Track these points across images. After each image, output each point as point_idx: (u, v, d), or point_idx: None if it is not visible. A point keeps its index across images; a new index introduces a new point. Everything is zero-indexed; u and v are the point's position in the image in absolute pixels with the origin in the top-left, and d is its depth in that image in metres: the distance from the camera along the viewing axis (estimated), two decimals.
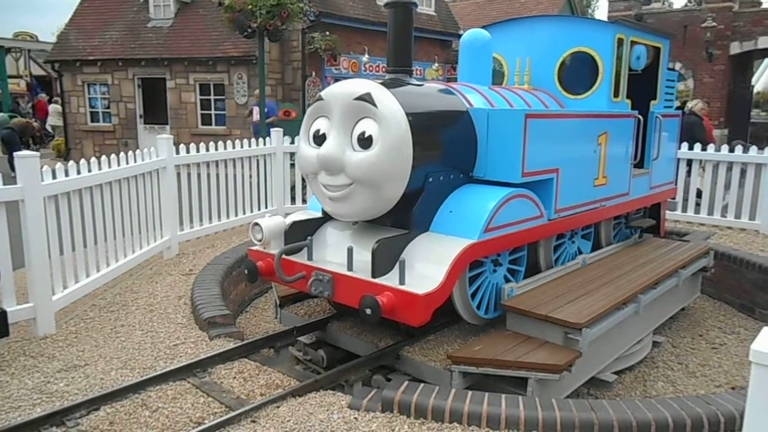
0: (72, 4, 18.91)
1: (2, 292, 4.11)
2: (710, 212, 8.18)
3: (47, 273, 4.43)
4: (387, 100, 3.67)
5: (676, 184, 6.92)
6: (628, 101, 5.46)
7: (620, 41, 5.17)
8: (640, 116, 5.53)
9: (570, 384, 3.90)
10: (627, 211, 5.75)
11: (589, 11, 44.31)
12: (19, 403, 3.35)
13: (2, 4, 69.41)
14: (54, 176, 4.60)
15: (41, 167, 4.40)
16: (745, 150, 7.79)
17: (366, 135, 3.66)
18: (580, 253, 5.19)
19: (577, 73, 5.23)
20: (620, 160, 5.32)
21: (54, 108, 20.33)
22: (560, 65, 5.28)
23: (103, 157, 5.29)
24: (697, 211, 8.25)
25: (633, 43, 5.38)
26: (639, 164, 5.74)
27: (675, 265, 5.18)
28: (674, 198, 6.97)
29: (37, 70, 26.87)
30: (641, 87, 5.80)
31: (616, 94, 5.24)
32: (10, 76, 23.20)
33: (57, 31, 25.95)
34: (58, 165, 4.72)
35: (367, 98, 3.66)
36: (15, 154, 4.40)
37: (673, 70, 6.60)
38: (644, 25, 6.26)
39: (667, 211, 6.93)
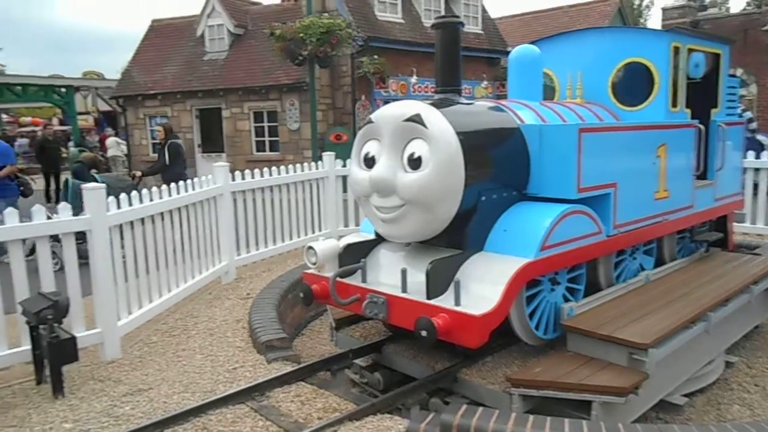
0: (134, 42, 19.93)
1: (72, 319, 4.29)
2: None
3: (113, 299, 4.60)
4: (437, 120, 3.67)
5: (743, 195, 6.60)
6: (688, 111, 5.28)
7: (677, 49, 5.02)
8: (702, 126, 5.33)
9: (637, 408, 3.73)
10: (691, 224, 5.52)
11: (641, 21, 43.31)
12: (88, 426, 3.47)
13: (72, 45, 73.96)
14: (119, 206, 4.80)
15: (107, 198, 4.60)
16: None
17: (417, 156, 3.66)
18: (643, 269, 5.00)
19: (632, 85, 5.09)
20: (682, 171, 5.12)
21: (112, 140, 21.35)
22: (614, 77, 5.17)
23: (164, 186, 5.48)
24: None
25: (690, 50, 5.21)
26: (702, 175, 5.51)
27: (746, 280, 4.91)
28: (742, 209, 6.64)
29: (103, 106, 28.32)
30: (701, 95, 5.59)
31: (674, 104, 5.07)
32: (80, 113, 24.52)
33: (121, 68, 27.36)
34: (122, 195, 4.92)
35: (416, 119, 3.67)
36: (83, 186, 4.62)
37: (734, 76, 6.34)
38: (701, 32, 6.06)
39: (735, 223, 6.60)
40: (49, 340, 3.82)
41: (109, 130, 24.67)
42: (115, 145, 20.98)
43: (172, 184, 5.62)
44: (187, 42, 18.43)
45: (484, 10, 19.60)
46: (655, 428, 2.96)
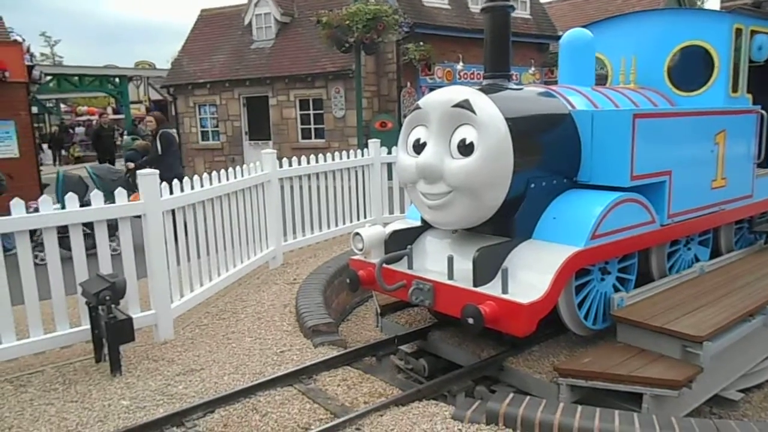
0: (180, 32, 20.38)
1: (128, 300, 4.45)
2: None
3: (167, 282, 4.75)
4: (486, 106, 3.62)
5: None
6: (749, 96, 5.05)
7: (738, 31, 4.80)
8: (764, 111, 5.09)
9: (690, 402, 3.63)
10: (750, 214, 5.30)
11: (699, 3, 41.53)
12: (144, 403, 3.61)
13: (122, 37, 76.36)
14: (171, 192, 4.93)
15: (159, 184, 4.73)
16: None
17: (465, 142, 3.62)
18: (697, 260, 4.84)
19: (690, 69, 4.91)
20: (741, 159, 4.92)
21: None
22: (670, 61, 4.99)
23: (214, 173, 5.60)
24: None
25: (753, 32, 4.98)
26: (763, 164, 5.28)
27: None
28: None
29: (154, 95, 29.09)
30: (765, 80, 5.34)
31: (734, 89, 4.87)
32: (132, 102, 25.28)
33: (171, 58, 28.01)
34: (175, 181, 5.05)
35: (465, 105, 3.63)
36: (137, 172, 4.77)
37: None
38: (766, 13, 5.77)
39: None
40: (107, 321, 3.98)
41: None
42: None
43: (222, 171, 5.74)
44: (235, 31, 18.70)
45: None
46: (711, 423, 2.88)
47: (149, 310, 4.65)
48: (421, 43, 15.30)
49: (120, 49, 74.15)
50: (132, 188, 6.84)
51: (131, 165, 9.04)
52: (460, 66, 16.47)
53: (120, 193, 4.54)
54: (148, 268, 4.64)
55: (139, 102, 28.07)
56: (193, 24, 20.18)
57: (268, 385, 3.70)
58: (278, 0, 17.65)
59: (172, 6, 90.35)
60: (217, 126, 18.53)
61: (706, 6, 38.88)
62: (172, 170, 7.88)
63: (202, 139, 18.88)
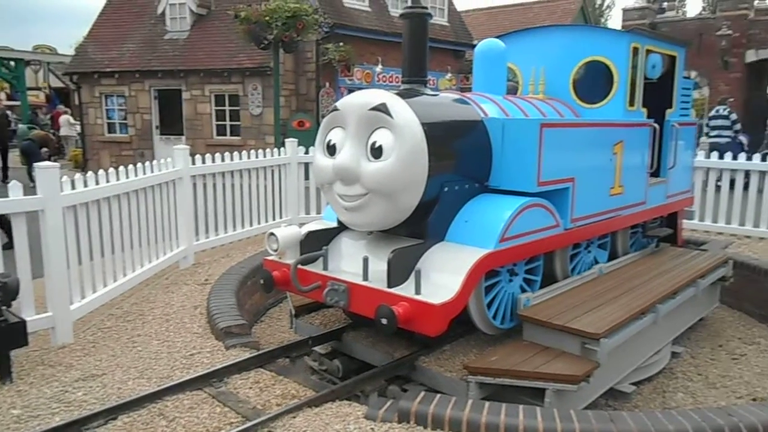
0: (90, 17, 19.25)
1: (21, 302, 4.15)
2: (728, 221, 8.10)
3: (66, 283, 4.47)
4: (402, 110, 3.68)
5: (693, 193, 6.85)
6: (644, 110, 5.44)
7: (635, 50, 5.16)
8: (657, 125, 5.50)
9: (588, 395, 3.86)
10: (643, 220, 5.70)
11: (603, 21, 44.18)
12: (38, 412, 3.38)
13: (20, 17, 70.89)
14: (73, 187, 4.65)
15: (60, 178, 4.46)
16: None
17: (376, 145, 3.67)
18: (597, 262, 5.15)
19: (593, 83, 5.22)
20: (636, 169, 5.28)
21: (65, 119, 20.67)
22: (575, 75, 5.27)
23: (121, 168, 5.34)
24: (715, 219, 8.19)
25: (648, 51, 5.36)
26: (655, 173, 5.70)
27: (693, 274, 5.12)
28: (691, 207, 6.90)
29: (56, 82, 27.29)
30: (657, 96, 5.77)
31: (631, 103, 5.22)
32: (30, 89, 23.61)
33: (75, 43, 26.39)
34: (77, 176, 4.77)
35: (382, 108, 3.67)
36: (35, 164, 4.46)
37: (688, 78, 6.56)
38: (659, 34, 6.24)
39: (684, 220, 6.86)
40: None
41: (61, 107, 23.83)
42: (67, 124, 20.34)
43: (130, 166, 5.48)
44: (147, 20, 17.88)
45: (450, 3, 19.66)
46: (606, 415, 3.07)
47: (45, 313, 4.37)
48: (341, 44, 15.30)
49: (18, 31, 68.71)
50: None
51: None
52: (379, 68, 16.62)
53: (14, 186, 4.22)
54: (45, 267, 4.36)
55: (38, 89, 26.27)
56: (101, 9, 19.11)
57: (176, 390, 3.58)
58: None
59: None
60: (125, 118, 17.64)
61: (609, 25, 41.48)
62: None
63: (109, 132, 17.92)
